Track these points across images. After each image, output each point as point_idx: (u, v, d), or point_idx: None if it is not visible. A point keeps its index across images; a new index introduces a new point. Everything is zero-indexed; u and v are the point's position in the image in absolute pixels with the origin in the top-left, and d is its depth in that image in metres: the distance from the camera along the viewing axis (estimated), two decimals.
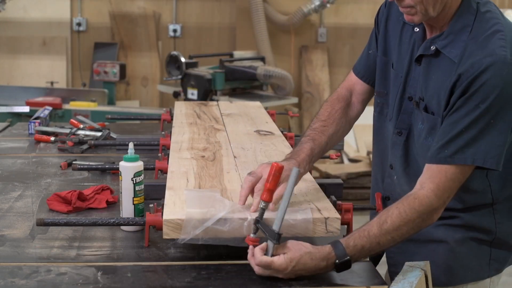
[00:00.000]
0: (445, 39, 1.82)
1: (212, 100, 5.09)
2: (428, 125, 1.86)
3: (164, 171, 2.35)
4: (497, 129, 1.72)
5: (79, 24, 6.80)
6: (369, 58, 2.14)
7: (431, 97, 1.85)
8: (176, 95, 5.41)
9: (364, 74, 2.17)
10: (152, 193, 2.20)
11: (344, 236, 1.76)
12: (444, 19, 1.83)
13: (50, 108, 3.79)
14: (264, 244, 1.69)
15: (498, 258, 1.95)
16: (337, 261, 1.69)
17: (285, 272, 1.66)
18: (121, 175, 2.04)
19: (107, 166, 2.58)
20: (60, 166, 2.74)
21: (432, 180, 1.76)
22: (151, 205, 1.88)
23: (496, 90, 1.69)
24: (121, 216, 2.06)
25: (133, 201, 2.04)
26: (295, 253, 1.66)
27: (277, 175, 1.74)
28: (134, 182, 2.03)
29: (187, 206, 1.84)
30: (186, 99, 5.27)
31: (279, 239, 1.65)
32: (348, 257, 1.70)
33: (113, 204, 2.27)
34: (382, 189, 2.12)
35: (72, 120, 3.49)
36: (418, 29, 1.93)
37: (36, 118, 3.46)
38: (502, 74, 1.70)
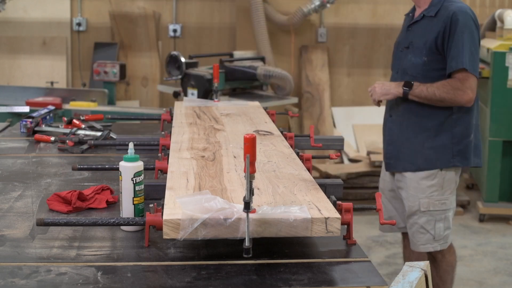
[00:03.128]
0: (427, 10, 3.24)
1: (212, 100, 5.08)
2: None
3: (164, 171, 2.36)
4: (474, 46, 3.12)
5: (79, 24, 6.81)
6: None
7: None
8: (176, 95, 5.41)
9: None
10: (152, 193, 2.20)
11: (344, 236, 1.90)
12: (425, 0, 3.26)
13: (53, 107, 3.80)
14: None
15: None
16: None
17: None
18: (121, 175, 2.04)
19: (107, 166, 2.59)
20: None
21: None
22: (151, 205, 1.88)
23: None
24: (121, 216, 2.06)
25: (133, 201, 2.04)
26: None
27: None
28: (134, 182, 2.03)
29: (182, 209, 1.83)
30: None
31: None
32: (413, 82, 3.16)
33: (113, 204, 2.27)
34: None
35: (74, 120, 3.50)
36: (411, 14, 3.36)
37: (29, 117, 3.45)
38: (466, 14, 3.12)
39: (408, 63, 3.23)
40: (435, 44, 3.13)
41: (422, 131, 3.23)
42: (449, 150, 3.21)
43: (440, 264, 3.39)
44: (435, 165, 3.23)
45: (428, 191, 3.24)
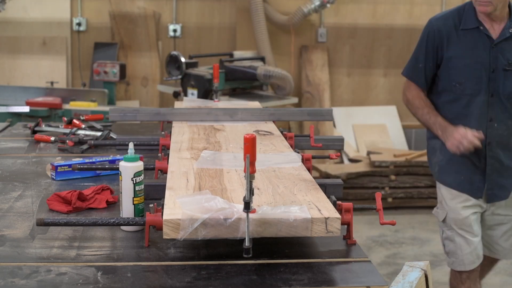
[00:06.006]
0: None
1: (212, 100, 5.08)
2: None
3: (164, 171, 2.36)
4: None
5: (79, 24, 6.81)
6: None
7: None
8: (176, 95, 5.41)
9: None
10: (152, 193, 2.20)
11: (344, 236, 1.90)
12: (503, 13, 2.95)
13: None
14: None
15: None
16: None
17: None
18: (121, 175, 2.04)
19: (106, 166, 2.59)
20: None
21: None
22: (151, 205, 1.88)
23: None
24: (121, 216, 2.06)
25: (133, 201, 2.04)
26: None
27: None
28: (134, 182, 2.03)
29: (182, 209, 1.83)
30: None
31: None
32: None
33: (113, 204, 2.27)
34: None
35: (74, 120, 3.50)
36: (482, 27, 2.98)
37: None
38: None
39: None
40: None
41: None
42: None
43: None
44: None
45: None
